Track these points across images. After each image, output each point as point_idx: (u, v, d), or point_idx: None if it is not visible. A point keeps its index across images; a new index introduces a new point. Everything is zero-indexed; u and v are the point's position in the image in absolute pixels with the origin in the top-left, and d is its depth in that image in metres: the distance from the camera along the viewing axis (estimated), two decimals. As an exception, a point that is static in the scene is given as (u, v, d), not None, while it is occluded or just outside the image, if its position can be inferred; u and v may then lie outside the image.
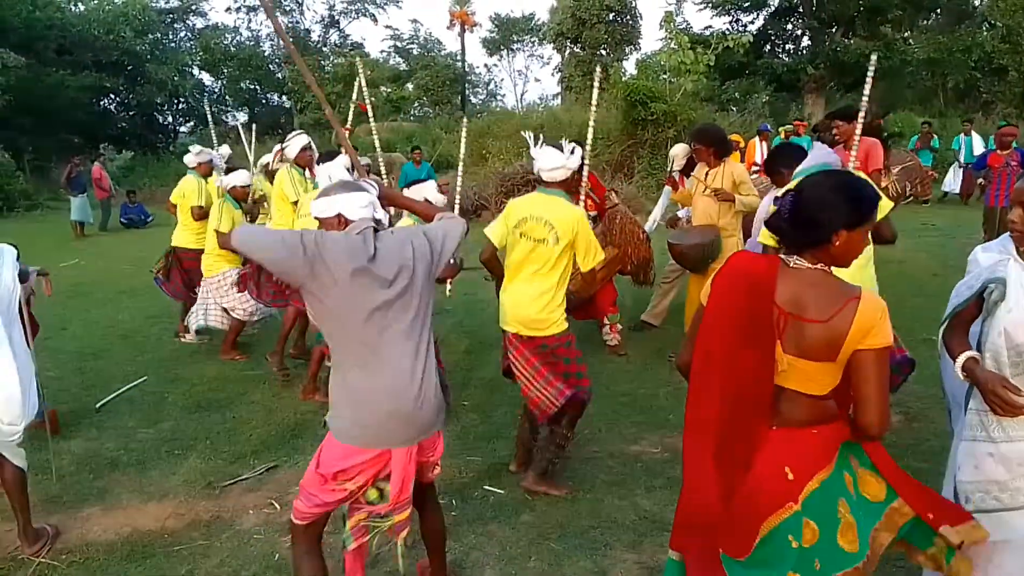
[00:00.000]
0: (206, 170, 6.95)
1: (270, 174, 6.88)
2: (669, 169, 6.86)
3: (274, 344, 5.97)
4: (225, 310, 6.40)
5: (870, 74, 4.62)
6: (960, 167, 14.76)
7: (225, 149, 7.62)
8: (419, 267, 2.61)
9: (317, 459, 2.60)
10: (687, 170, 6.38)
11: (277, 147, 6.78)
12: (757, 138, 12.68)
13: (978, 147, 15.23)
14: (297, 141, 5.98)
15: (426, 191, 4.65)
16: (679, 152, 6.62)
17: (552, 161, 3.73)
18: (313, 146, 6.01)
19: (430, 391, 2.61)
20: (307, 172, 5.86)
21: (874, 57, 4.81)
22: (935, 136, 16.30)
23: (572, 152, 3.76)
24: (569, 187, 3.86)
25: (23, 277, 3.75)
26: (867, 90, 4.55)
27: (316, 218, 2.74)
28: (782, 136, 14.38)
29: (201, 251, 6.50)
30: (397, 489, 2.58)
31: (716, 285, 2.08)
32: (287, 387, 5.69)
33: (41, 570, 3.40)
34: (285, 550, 3.49)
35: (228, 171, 6.56)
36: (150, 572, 3.37)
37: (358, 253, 2.52)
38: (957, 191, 14.95)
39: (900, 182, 6.32)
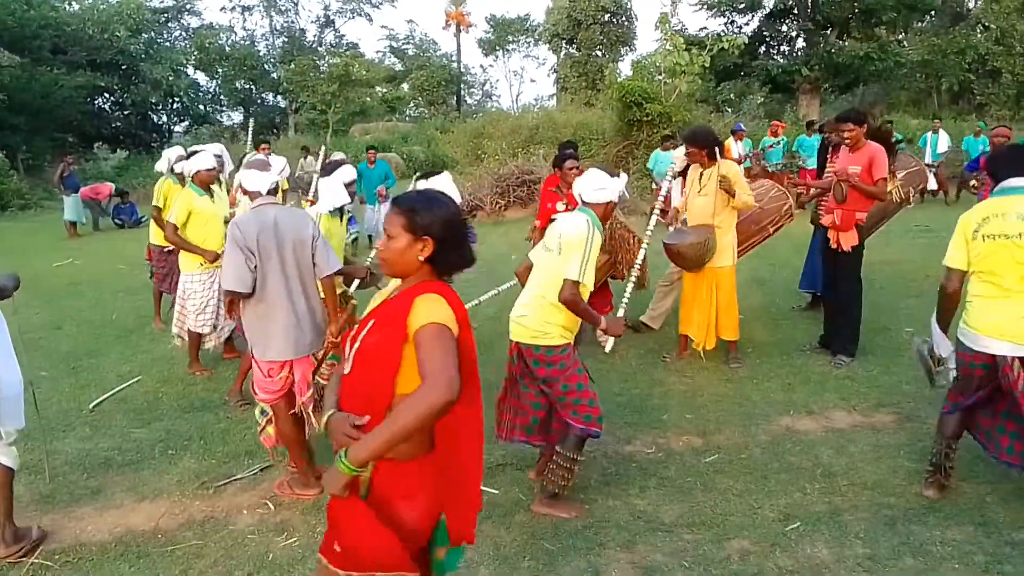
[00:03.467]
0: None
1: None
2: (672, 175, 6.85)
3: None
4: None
5: None
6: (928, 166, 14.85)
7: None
8: (298, 246, 3.83)
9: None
10: (681, 175, 6.40)
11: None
12: (732, 137, 13.76)
13: (943, 145, 15.31)
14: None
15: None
16: (680, 155, 6.63)
17: (596, 181, 3.77)
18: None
19: (308, 322, 3.89)
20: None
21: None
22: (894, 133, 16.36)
23: (618, 176, 3.85)
24: (604, 214, 3.80)
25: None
26: None
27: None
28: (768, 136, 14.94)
29: None
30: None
31: None
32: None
33: (34, 570, 3.40)
34: (279, 550, 3.49)
35: (190, 155, 6.06)
36: (144, 572, 3.37)
37: (261, 226, 3.78)
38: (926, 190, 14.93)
39: (904, 187, 6.31)
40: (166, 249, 6.56)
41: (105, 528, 3.75)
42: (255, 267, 3.74)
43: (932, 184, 14.64)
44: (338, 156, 11.11)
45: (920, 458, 4.13)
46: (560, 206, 6.07)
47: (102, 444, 4.78)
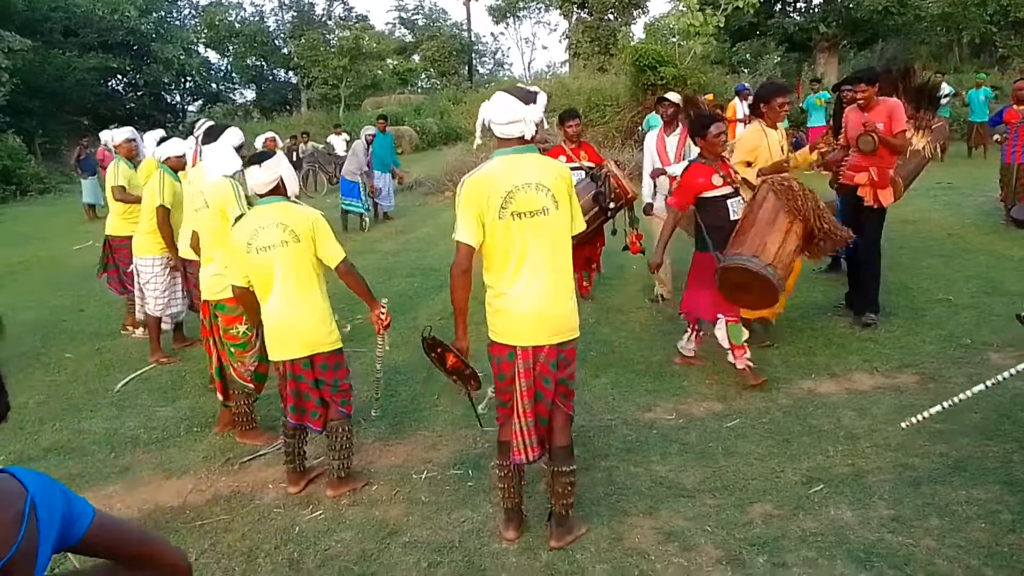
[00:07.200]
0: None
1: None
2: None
3: None
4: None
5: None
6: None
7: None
8: None
9: None
10: (671, 128, 6.30)
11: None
12: (737, 98, 13.73)
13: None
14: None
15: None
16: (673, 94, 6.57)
17: (507, 112, 2.95)
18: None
19: None
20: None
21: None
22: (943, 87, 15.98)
23: (535, 100, 2.97)
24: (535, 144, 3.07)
25: None
26: None
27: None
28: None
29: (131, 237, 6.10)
30: None
31: None
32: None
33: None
34: (305, 523, 3.53)
35: (162, 140, 5.97)
36: (173, 547, 3.42)
37: None
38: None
39: (932, 143, 6.20)
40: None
41: (134, 505, 3.82)
42: None
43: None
44: (369, 129, 11.09)
45: (944, 418, 4.09)
46: (561, 159, 5.96)
47: (128, 423, 4.85)
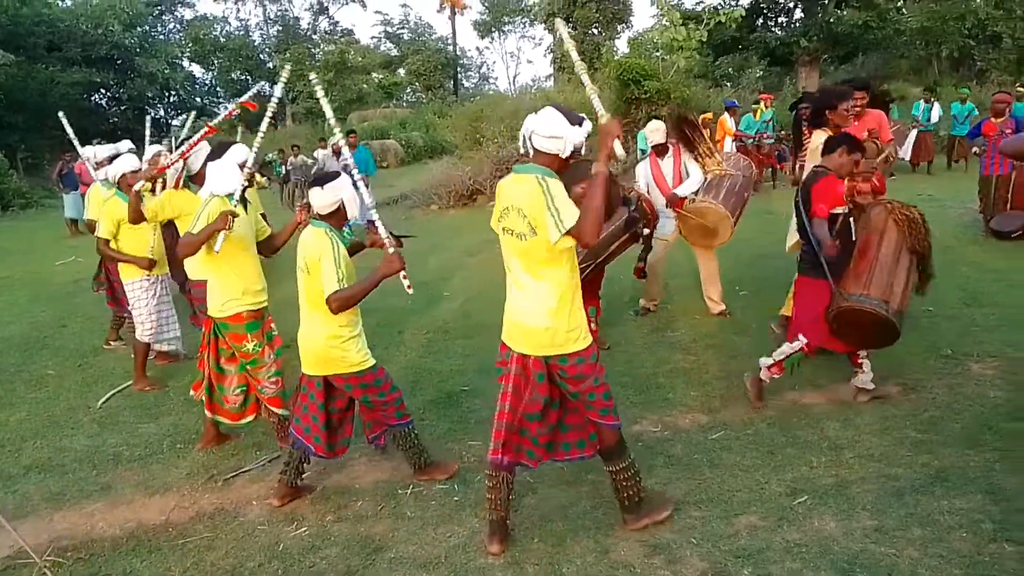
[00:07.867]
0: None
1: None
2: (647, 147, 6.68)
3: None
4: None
5: None
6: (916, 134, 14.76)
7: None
8: None
9: None
10: (662, 152, 6.35)
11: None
12: (726, 113, 14.13)
13: (935, 117, 15.19)
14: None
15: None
16: (653, 129, 6.56)
17: (550, 126, 2.99)
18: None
19: None
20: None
21: None
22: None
23: (580, 124, 3.01)
24: (560, 167, 3.04)
25: None
26: None
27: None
28: (762, 107, 14.49)
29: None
30: None
31: None
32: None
33: (46, 567, 3.41)
34: (289, 540, 3.51)
35: (114, 157, 5.68)
36: (155, 566, 3.39)
37: None
38: (907, 158, 14.71)
39: (894, 147, 6.38)
40: None
41: (116, 523, 3.78)
42: None
43: (905, 153, 14.41)
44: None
45: (926, 428, 4.13)
46: None
47: (110, 440, 4.81)
